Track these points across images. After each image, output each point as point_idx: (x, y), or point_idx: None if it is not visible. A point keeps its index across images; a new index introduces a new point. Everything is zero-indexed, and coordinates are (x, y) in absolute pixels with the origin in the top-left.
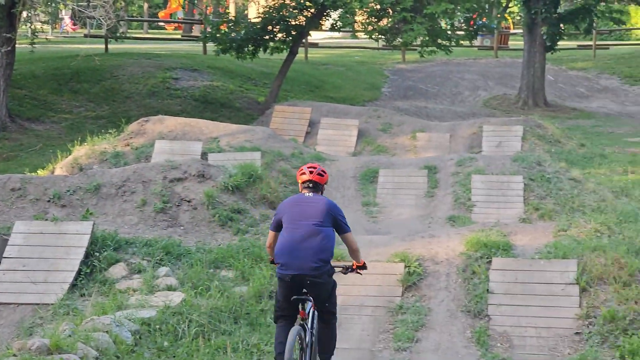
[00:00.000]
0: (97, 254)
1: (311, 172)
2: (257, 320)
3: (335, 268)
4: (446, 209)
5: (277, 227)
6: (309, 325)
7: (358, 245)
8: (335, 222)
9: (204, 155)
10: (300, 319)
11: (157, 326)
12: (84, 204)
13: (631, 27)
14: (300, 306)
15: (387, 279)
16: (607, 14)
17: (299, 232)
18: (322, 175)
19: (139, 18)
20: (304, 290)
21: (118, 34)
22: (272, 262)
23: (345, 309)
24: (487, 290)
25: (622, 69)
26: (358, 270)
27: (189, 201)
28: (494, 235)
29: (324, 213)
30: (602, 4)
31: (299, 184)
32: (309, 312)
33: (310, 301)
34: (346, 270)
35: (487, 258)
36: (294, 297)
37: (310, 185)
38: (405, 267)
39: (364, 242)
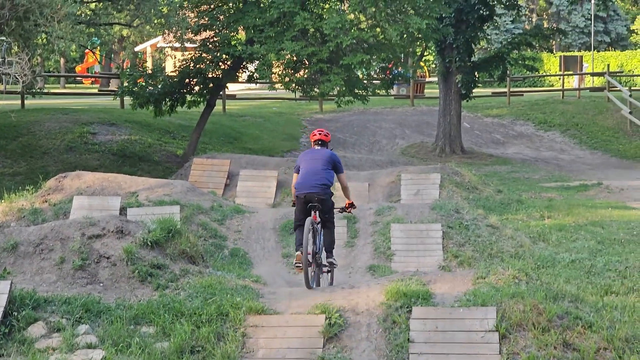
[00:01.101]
0: (15, 314)
1: (320, 134)
2: None
3: (334, 209)
4: (366, 258)
5: (298, 170)
6: (317, 232)
7: (348, 184)
8: (334, 165)
9: (122, 210)
10: (312, 224)
11: None
12: (0, 263)
13: (544, 74)
14: (312, 213)
15: (309, 331)
16: (520, 62)
17: (310, 169)
18: (327, 136)
19: (56, 73)
20: (311, 203)
21: (34, 90)
22: (294, 204)
23: None
24: (408, 339)
25: (536, 115)
26: (349, 210)
27: (108, 257)
28: (414, 285)
29: (327, 159)
30: (515, 52)
31: (312, 142)
32: (316, 216)
33: (319, 209)
34: (342, 210)
35: (408, 307)
36: (310, 204)
37: (319, 142)
38: (326, 318)
39: (285, 294)
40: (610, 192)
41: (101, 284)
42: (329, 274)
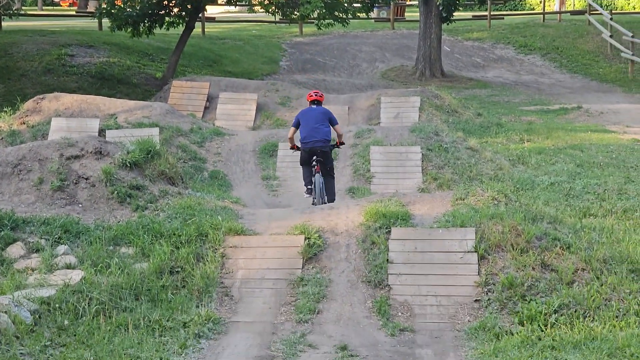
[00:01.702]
0: None
1: (316, 95)
2: (158, 297)
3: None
4: (345, 180)
5: (297, 124)
6: (320, 177)
7: (342, 132)
8: (330, 120)
9: (101, 132)
10: (316, 172)
11: (57, 305)
12: None
13: None
14: (315, 165)
15: (288, 252)
16: None
17: (312, 125)
18: (321, 97)
19: None
20: (315, 155)
21: (12, 11)
22: (292, 148)
23: (246, 283)
24: (387, 260)
25: (516, 39)
26: (339, 146)
27: (86, 178)
28: (393, 206)
29: (325, 116)
30: None
31: (308, 102)
32: (318, 171)
33: (321, 162)
34: (334, 146)
35: (387, 228)
36: (313, 157)
37: (315, 102)
38: (306, 239)
39: (264, 215)
40: (589, 115)
41: (80, 205)
42: None
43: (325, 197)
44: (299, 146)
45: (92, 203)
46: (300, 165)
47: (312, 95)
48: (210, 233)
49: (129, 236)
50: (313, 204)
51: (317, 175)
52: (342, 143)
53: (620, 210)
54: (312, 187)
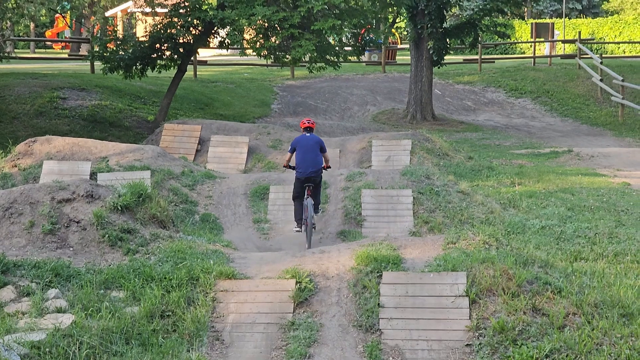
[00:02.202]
0: None
1: (308, 123)
2: (149, 341)
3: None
4: (337, 223)
5: (293, 150)
6: (310, 200)
7: (329, 157)
8: (321, 148)
9: (93, 175)
10: (307, 196)
11: (47, 349)
12: None
13: (515, 41)
14: (307, 189)
15: (279, 296)
16: (491, 28)
17: (307, 156)
18: (313, 124)
19: (26, 38)
20: (309, 183)
21: (4, 54)
22: (285, 166)
23: (237, 327)
24: (379, 304)
25: (507, 82)
26: (326, 169)
27: (77, 222)
28: (384, 250)
29: (317, 145)
30: (487, 18)
31: (302, 129)
32: (309, 195)
33: (311, 187)
34: (323, 169)
35: (378, 272)
36: (306, 184)
37: (308, 129)
38: (297, 283)
39: (255, 259)
40: (580, 159)
41: (71, 248)
42: (313, 229)
43: (313, 215)
44: (291, 165)
45: (83, 246)
46: (293, 199)
47: (305, 123)
48: (201, 277)
49: (119, 280)
50: (298, 230)
51: (308, 199)
52: (329, 167)
53: (611, 254)
54: (302, 219)
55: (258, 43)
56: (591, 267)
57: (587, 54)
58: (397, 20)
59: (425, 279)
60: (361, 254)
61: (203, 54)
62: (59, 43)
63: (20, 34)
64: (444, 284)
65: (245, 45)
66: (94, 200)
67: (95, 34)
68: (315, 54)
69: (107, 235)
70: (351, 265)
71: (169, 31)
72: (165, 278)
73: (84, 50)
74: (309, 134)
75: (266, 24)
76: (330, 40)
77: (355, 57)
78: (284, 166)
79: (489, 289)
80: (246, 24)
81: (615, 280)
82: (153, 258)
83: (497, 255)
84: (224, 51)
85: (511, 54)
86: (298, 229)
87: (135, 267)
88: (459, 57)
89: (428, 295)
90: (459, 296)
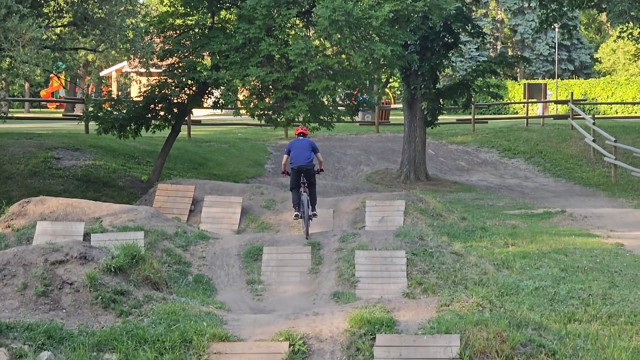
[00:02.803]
0: None
1: (302, 129)
2: None
3: (316, 174)
4: (330, 285)
5: (288, 152)
6: (306, 196)
7: (322, 159)
8: (313, 148)
9: (86, 235)
10: (302, 191)
11: None
12: None
13: (508, 102)
14: (302, 186)
15: (272, 358)
16: (484, 89)
17: (300, 151)
18: (306, 130)
19: (20, 97)
20: (303, 175)
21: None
22: (283, 172)
23: None
24: None
25: (500, 143)
26: (320, 172)
27: (71, 284)
28: (378, 312)
29: (309, 145)
30: (480, 79)
31: (295, 134)
32: (305, 189)
33: (306, 183)
34: (317, 172)
35: (371, 334)
36: (300, 174)
37: (302, 134)
38: (290, 345)
39: (248, 321)
40: (573, 219)
41: (64, 310)
42: (310, 220)
43: (310, 210)
44: (289, 171)
45: (76, 308)
46: (290, 190)
47: (299, 129)
48: (194, 339)
49: (112, 342)
50: (297, 216)
51: (304, 194)
52: (322, 170)
53: (605, 315)
54: (299, 204)
55: (252, 103)
56: (585, 329)
57: (580, 115)
58: (390, 81)
59: (419, 342)
60: (355, 316)
61: (197, 113)
62: (54, 103)
63: (15, 94)
64: (438, 346)
65: (239, 106)
66: (87, 262)
67: (89, 94)
68: (308, 114)
69: (100, 297)
70: (345, 327)
71: (163, 91)
72: (158, 340)
73: (78, 110)
74: (301, 138)
75: (260, 85)
76: (324, 100)
77: (349, 117)
78: (283, 172)
79: (483, 352)
80: (240, 84)
81: (609, 342)
82: (146, 320)
83: (490, 318)
84: (217, 111)
85: (504, 114)
86: (297, 213)
87: (128, 330)
88: (452, 117)
89: (422, 358)
90: (453, 359)
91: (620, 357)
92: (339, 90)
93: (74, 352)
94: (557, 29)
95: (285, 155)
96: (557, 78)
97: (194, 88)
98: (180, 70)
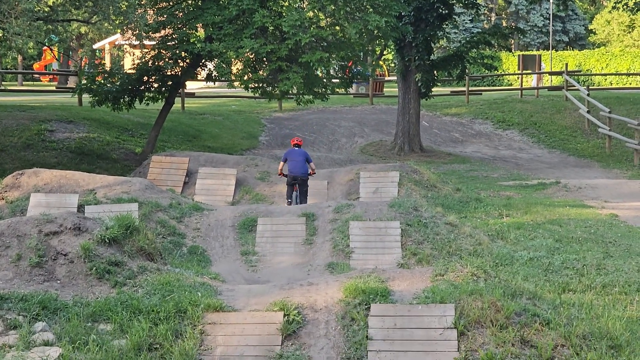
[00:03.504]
0: None
1: (297, 141)
2: None
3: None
4: (325, 256)
5: (285, 160)
6: (297, 193)
7: (314, 167)
8: (307, 158)
9: (80, 207)
10: (294, 190)
11: None
12: None
13: (502, 73)
14: (294, 186)
15: (267, 328)
16: (478, 61)
17: (296, 163)
18: (300, 141)
19: (13, 70)
20: (298, 183)
21: None
22: (280, 174)
23: None
24: (367, 336)
25: (494, 114)
26: (312, 175)
27: (65, 254)
28: (372, 282)
29: (304, 156)
30: (474, 50)
31: (292, 144)
32: (296, 190)
33: (298, 186)
34: (309, 175)
35: (366, 304)
36: (294, 182)
37: (297, 145)
38: (285, 315)
39: (243, 292)
40: (567, 190)
41: (58, 281)
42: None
43: (299, 202)
44: (286, 174)
45: (71, 279)
46: (287, 185)
47: (294, 140)
48: (189, 309)
49: (107, 313)
50: (289, 203)
51: (295, 192)
52: (314, 173)
53: (599, 285)
54: (291, 199)
55: (246, 75)
56: (579, 298)
57: (574, 86)
58: (384, 53)
59: (414, 311)
60: (349, 286)
61: (191, 86)
62: (47, 75)
63: (8, 67)
64: (433, 316)
65: (233, 78)
66: (82, 233)
67: (83, 66)
68: (303, 87)
69: (94, 268)
70: (339, 297)
71: (156, 63)
72: (152, 311)
73: (71, 82)
74: (297, 148)
75: (254, 57)
76: (318, 72)
77: (343, 90)
78: (279, 174)
79: (477, 321)
80: (234, 56)
81: (603, 311)
82: (141, 291)
83: (485, 287)
84: (211, 83)
85: (498, 85)
86: (290, 200)
87: (123, 300)
88: (447, 89)
89: (416, 328)
90: (447, 328)
91: (615, 326)
92: (333, 62)
93: (68, 322)
94: (551, 0)
95: (282, 162)
96: (552, 49)
97: (187, 60)
98: (173, 43)
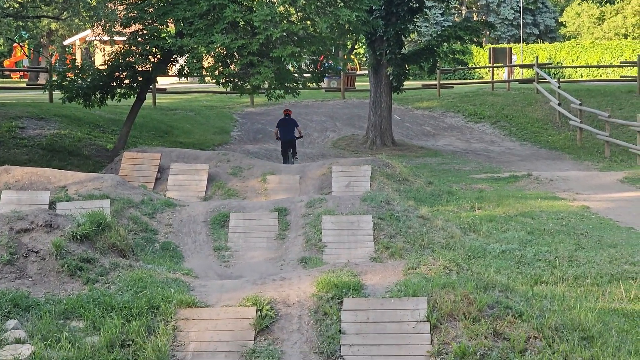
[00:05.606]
0: None
1: (287, 111)
2: None
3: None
4: (297, 250)
5: (278, 126)
6: (292, 152)
7: (301, 130)
8: (295, 124)
9: (52, 204)
10: (289, 150)
11: None
12: None
13: (473, 66)
14: (289, 149)
15: (240, 324)
16: (449, 55)
17: (287, 129)
18: (290, 112)
19: None
20: (289, 145)
21: None
22: (277, 138)
23: (198, 356)
24: (340, 330)
25: (466, 107)
26: (299, 137)
27: (36, 252)
28: (345, 276)
29: (292, 124)
30: (445, 44)
31: (283, 114)
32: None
33: (291, 146)
34: (297, 138)
35: (339, 298)
36: (287, 145)
37: (287, 115)
38: (257, 310)
39: (216, 287)
40: (539, 182)
41: (30, 279)
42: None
43: (292, 157)
44: (279, 137)
45: (42, 277)
46: (282, 154)
47: (285, 111)
48: (161, 305)
49: (79, 310)
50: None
51: (289, 151)
52: (301, 136)
53: (571, 277)
54: (288, 159)
55: (217, 70)
56: (551, 290)
57: (545, 79)
58: (355, 47)
59: (386, 305)
60: (322, 280)
61: (162, 82)
62: (17, 72)
63: None
64: (405, 309)
65: (204, 73)
66: (53, 230)
67: (53, 63)
68: (274, 81)
69: (66, 265)
70: (312, 292)
71: (127, 59)
72: (125, 307)
73: (42, 79)
74: (287, 117)
75: (225, 52)
76: (289, 67)
77: (315, 84)
78: (277, 139)
79: (450, 314)
80: (205, 51)
81: (575, 303)
82: (113, 287)
83: (457, 280)
84: (183, 79)
85: (469, 79)
86: (287, 161)
87: (95, 297)
88: (418, 83)
89: (389, 321)
90: (420, 321)
91: (587, 317)
92: (305, 57)
93: (40, 320)
94: None
95: (276, 128)
96: (522, 42)
97: (158, 56)
98: (144, 38)
